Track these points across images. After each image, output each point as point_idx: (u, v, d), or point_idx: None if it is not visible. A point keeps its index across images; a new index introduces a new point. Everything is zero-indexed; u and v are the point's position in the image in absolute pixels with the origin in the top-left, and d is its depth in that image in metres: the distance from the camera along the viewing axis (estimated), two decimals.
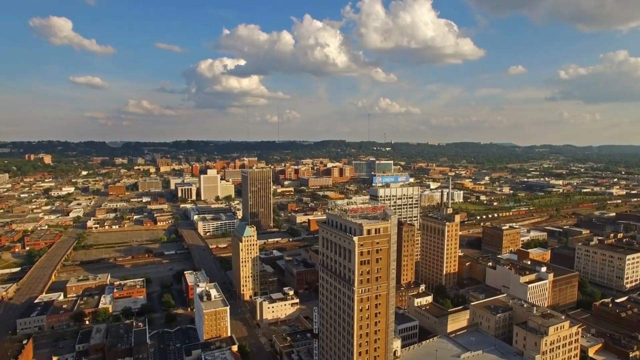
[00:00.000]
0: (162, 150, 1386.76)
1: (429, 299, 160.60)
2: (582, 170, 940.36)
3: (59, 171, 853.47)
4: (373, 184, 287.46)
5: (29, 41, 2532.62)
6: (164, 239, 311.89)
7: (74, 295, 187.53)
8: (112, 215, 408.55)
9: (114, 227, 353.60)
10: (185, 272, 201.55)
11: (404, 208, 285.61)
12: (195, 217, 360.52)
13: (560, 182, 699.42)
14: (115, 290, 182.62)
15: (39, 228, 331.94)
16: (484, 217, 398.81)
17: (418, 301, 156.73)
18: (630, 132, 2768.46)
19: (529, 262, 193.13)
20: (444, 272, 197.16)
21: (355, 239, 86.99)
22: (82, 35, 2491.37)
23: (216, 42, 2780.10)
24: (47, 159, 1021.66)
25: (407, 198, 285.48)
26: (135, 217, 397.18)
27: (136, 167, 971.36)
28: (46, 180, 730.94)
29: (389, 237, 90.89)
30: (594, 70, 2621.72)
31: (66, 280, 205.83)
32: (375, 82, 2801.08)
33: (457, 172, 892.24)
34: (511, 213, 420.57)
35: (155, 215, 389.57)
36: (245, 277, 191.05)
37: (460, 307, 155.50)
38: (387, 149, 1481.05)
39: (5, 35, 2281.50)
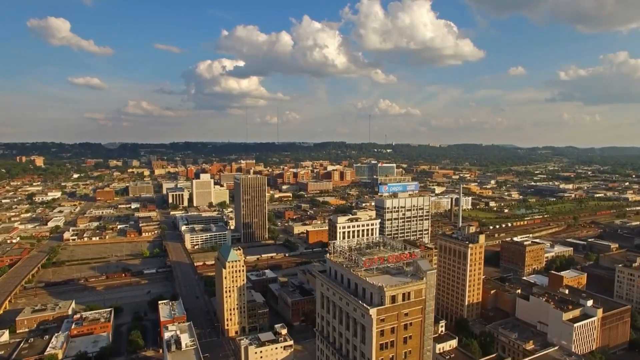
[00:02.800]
0: (159, 152, 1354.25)
1: (453, 343, 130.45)
2: (589, 173, 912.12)
3: (49, 174, 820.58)
4: (379, 194, 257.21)
5: (27, 42, 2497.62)
6: (146, 253, 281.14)
7: (26, 330, 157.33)
8: (95, 224, 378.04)
9: (94, 238, 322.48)
10: (159, 302, 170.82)
11: (413, 220, 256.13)
12: (183, 227, 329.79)
13: (570, 186, 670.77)
14: (73, 326, 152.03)
15: (9, 240, 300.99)
16: (497, 226, 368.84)
17: (440, 347, 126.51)
18: (632, 134, 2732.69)
19: (566, 291, 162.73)
20: (466, 303, 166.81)
21: (372, 312, 56.93)
22: (80, 36, 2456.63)
23: (215, 43, 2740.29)
24: (39, 161, 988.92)
25: (416, 209, 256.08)
26: (119, 226, 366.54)
27: (130, 170, 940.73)
28: (34, 183, 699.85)
29: (424, 304, 60.81)
30: (594, 72, 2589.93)
31: (21, 309, 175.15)
32: (375, 83, 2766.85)
33: (461, 175, 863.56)
34: (525, 222, 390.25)
35: (140, 225, 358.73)
36: (230, 310, 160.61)
37: (494, 355, 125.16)
38: (388, 150, 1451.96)
39: (2, 36, 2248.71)
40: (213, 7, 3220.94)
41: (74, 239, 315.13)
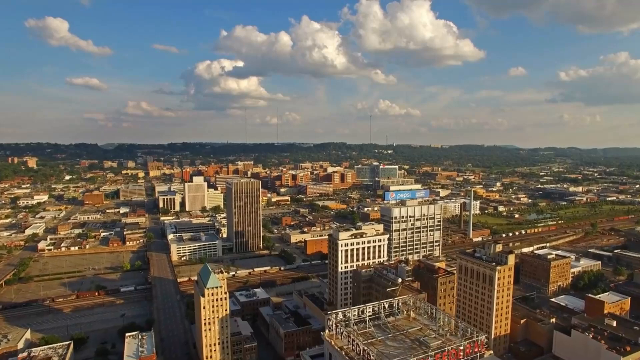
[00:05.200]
0: (157, 152, 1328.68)
1: None
2: (595, 174, 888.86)
3: (40, 175, 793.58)
4: (385, 201, 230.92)
5: (26, 42, 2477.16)
6: (126, 266, 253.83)
7: None
8: (77, 231, 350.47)
9: (72, 248, 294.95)
10: (127, 334, 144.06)
11: (423, 231, 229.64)
12: (170, 236, 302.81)
13: (580, 189, 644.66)
14: None
15: None
16: (510, 234, 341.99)
17: None
18: (633, 135, 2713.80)
19: (614, 322, 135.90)
20: (492, 336, 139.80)
21: None
22: (79, 37, 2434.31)
23: (214, 43, 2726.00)
24: (32, 162, 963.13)
25: (427, 219, 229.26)
26: (103, 234, 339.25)
27: (124, 172, 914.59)
28: (23, 186, 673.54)
29: None
30: (594, 72, 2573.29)
31: None
32: (374, 83, 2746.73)
33: (465, 177, 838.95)
34: (540, 229, 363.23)
35: (124, 232, 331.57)
36: (211, 346, 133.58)
37: None
38: (389, 151, 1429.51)
39: (0, 36, 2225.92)
40: (211, 7, 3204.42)
41: (49, 249, 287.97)
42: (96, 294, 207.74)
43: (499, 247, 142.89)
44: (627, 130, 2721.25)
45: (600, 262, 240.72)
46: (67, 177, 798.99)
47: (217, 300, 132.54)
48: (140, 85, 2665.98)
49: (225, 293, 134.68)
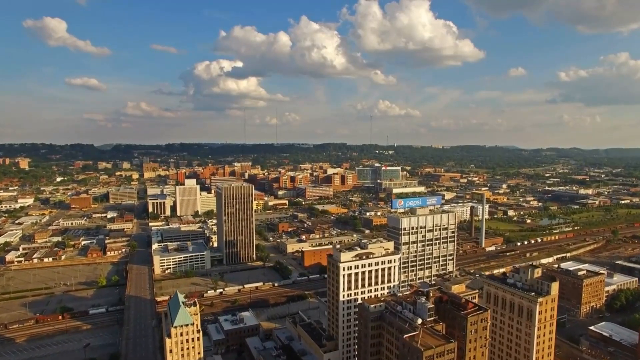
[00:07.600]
0: (154, 153, 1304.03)
1: None
2: (602, 176, 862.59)
3: (30, 177, 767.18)
4: (393, 210, 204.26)
5: (24, 42, 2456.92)
6: (102, 282, 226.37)
7: None
8: (57, 239, 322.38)
9: (45, 259, 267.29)
10: None
11: (435, 243, 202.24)
12: (155, 246, 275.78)
13: (590, 191, 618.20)
14: None
15: None
16: (525, 242, 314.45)
17: None
18: (634, 135, 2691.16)
19: None
20: None
21: None
22: (77, 37, 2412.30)
23: (213, 43, 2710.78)
24: (24, 163, 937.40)
25: (440, 229, 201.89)
26: (83, 242, 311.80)
27: (118, 173, 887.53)
28: (10, 188, 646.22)
29: None
30: (594, 73, 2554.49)
31: None
32: (374, 84, 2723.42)
33: (468, 178, 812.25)
34: (557, 237, 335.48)
35: (106, 241, 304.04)
36: None
37: None
38: (390, 152, 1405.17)
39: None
40: (209, 7, 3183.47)
41: (19, 261, 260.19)
42: (60, 317, 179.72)
43: (538, 272, 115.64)
44: (628, 130, 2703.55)
45: (636, 278, 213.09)
46: (59, 179, 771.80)
47: (187, 341, 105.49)
48: (139, 85, 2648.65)
49: (199, 332, 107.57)
